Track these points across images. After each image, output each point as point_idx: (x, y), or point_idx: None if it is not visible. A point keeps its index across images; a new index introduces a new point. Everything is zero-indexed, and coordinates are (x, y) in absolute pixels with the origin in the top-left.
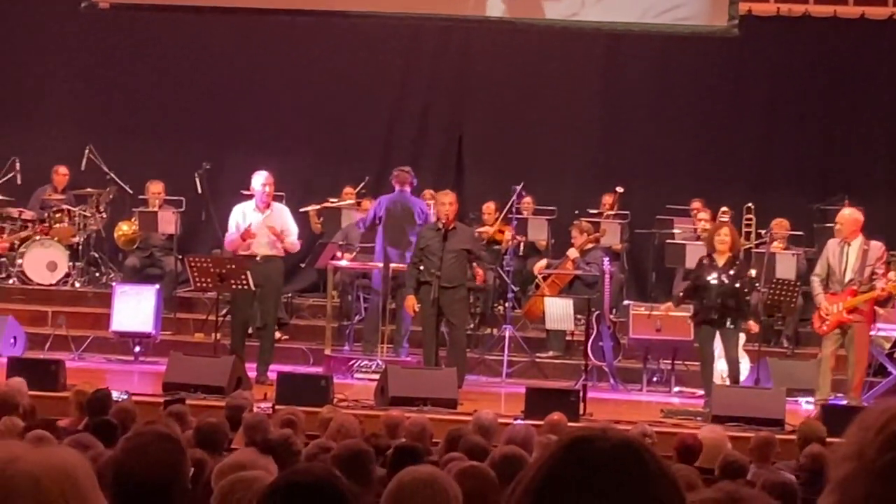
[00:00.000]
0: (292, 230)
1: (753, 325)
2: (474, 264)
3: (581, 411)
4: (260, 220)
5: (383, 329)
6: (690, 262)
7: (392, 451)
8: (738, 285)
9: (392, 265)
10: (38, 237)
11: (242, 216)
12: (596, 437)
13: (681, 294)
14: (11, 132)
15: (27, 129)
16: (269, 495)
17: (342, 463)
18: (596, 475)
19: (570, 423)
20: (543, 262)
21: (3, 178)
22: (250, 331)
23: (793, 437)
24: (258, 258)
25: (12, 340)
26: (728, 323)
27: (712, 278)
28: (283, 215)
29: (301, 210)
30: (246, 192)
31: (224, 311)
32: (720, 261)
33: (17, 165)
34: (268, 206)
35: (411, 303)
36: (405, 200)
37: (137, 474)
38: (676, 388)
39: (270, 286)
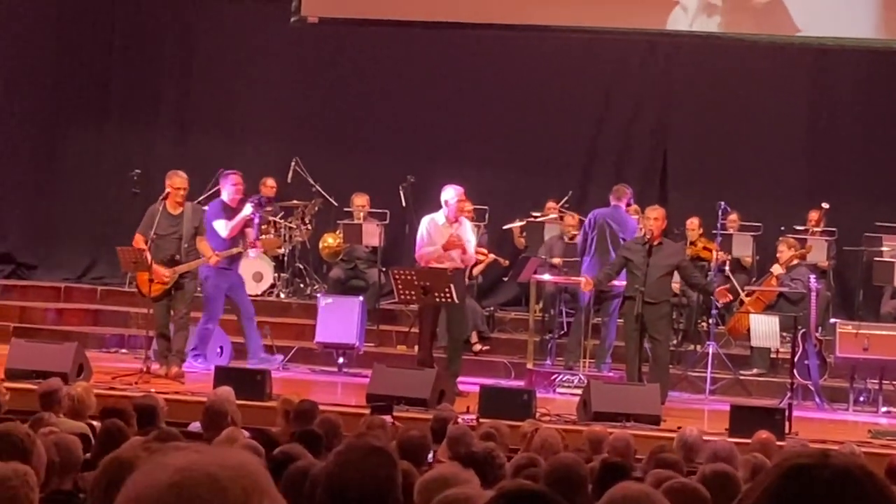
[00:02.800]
0: (473, 244)
1: None
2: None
3: (787, 430)
4: (450, 233)
5: (585, 343)
6: None
7: (599, 466)
8: None
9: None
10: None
11: (433, 229)
12: (816, 465)
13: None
14: (220, 144)
15: (235, 141)
16: None
17: (555, 478)
18: None
19: (777, 443)
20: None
21: (211, 190)
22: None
23: None
24: (449, 271)
25: (219, 350)
26: None
27: None
28: (467, 229)
29: (504, 227)
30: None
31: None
32: None
33: None
34: (457, 219)
35: (588, 282)
36: (619, 217)
37: (352, 487)
38: (884, 409)
39: (457, 298)
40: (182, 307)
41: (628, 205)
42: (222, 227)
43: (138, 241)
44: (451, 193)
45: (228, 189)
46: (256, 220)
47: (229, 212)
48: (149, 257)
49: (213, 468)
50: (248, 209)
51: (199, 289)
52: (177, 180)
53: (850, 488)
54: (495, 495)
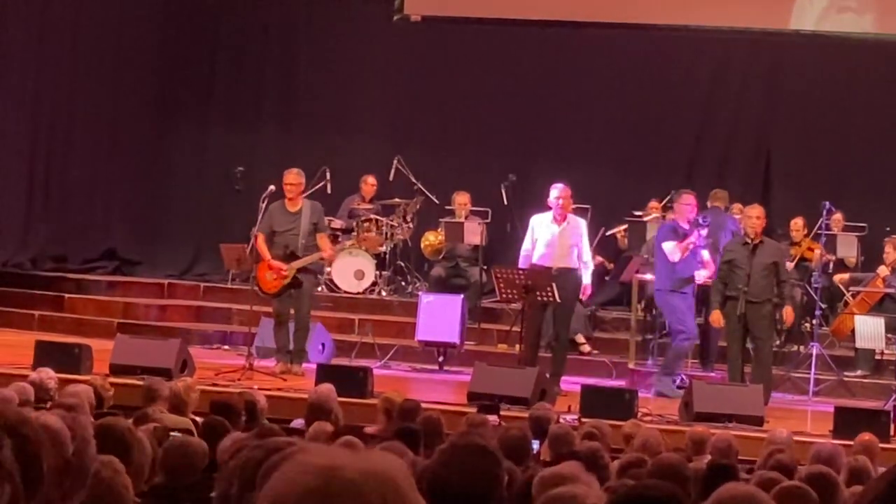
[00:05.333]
0: (584, 247)
1: None
2: (785, 307)
3: (892, 432)
4: (556, 232)
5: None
6: None
7: (706, 468)
8: None
9: (697, 280)
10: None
11: (540, 227)
12: None
13: None
14: (323, 141)
15: (338, 138)
16: None
17: (659, 478)
18: None
19: (881, 445)
20: (846, 275)
21: (314, 187)
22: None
23: None
24: (554, 270)
25: (321, 347)
26: None
27: None
28: (578, 229)
29: (607, 234)
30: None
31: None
32: None
33: (328, 175)
34: (564, 218)
35: (717, 317)
36: (719, 217)
37: (456, 485)
38: None
39: (564, 298)
40: (304, 307)
41: (726, 207)
42: (671, 248)
43: (259, 238)
44: (552, 192)
45: (682, 209)
46: (700, 244)
47: (680, 234)
48: (267, 254)
49: (356, 475)
50: (694, 236)
51: (320, 287)
52: (291, 177)
53: None
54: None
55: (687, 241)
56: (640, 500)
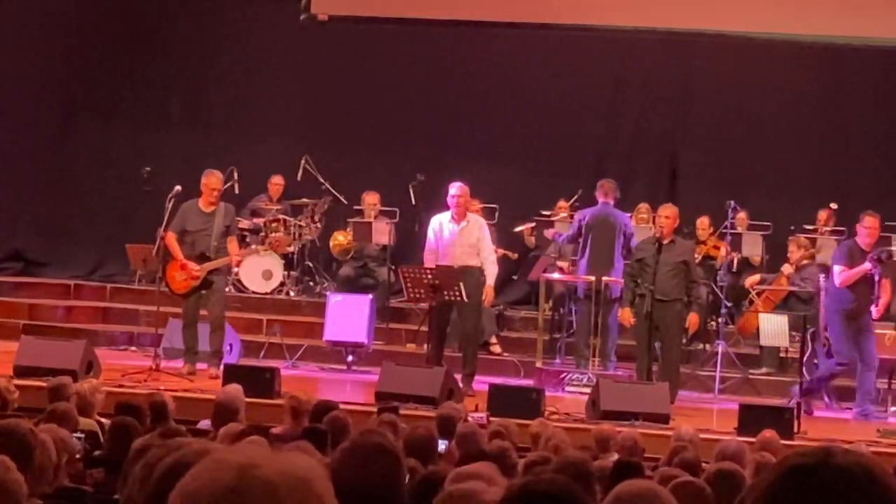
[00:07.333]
0: (485, 247)
1: None
2: (691, 313)
3: (795, 429)
4: (455, 231)
5: (594, 342)
6: None
7: (613, 465)
8: None
9: (603, 279)
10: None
11: (439, 227)
12: (818, 465)
13: None
14: (230, 141)
15: (246, 138)
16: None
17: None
18: None
19: (784, 442)
20: (757, 276)
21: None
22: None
23: None
24: (456, 268)
25: (228, 347)
26: None
27: None
28: (479, 229)
29: (515, 230)
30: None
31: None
32: None
33: (236, 175)
34: (463, 216)
35: (626, 315)
36: (609, 213)
37: (357, 484)
38: (893, 408)
39: (468, 297)
40: (217, 308)
41: (616, 199)
42: (837, 272)
43: (170, 237)
44: (450, 191)
45: (862, 231)
46: (876, 277)
47: (856, 257)
48: (179, 253)
49: (273, 474)
50: (867, 265)
51: (227, 288)
52: (212, 180)
53: (853, 488)
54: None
55: (857, 269)
56: (535, 494)
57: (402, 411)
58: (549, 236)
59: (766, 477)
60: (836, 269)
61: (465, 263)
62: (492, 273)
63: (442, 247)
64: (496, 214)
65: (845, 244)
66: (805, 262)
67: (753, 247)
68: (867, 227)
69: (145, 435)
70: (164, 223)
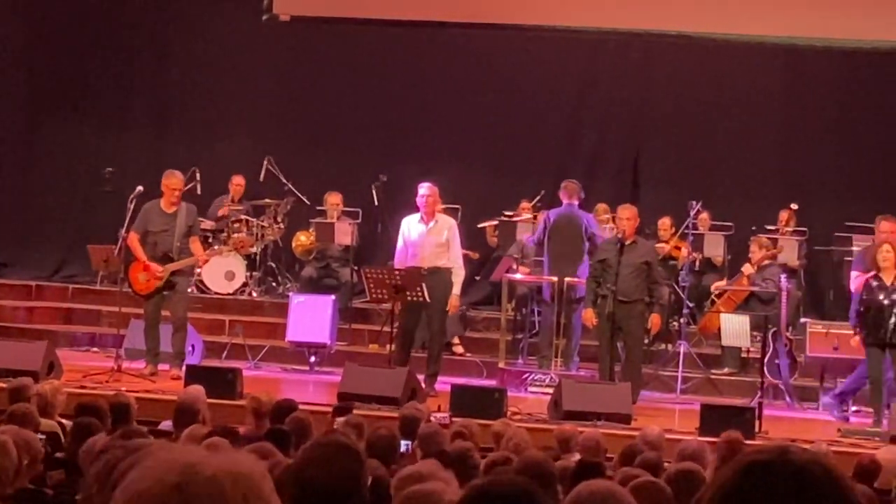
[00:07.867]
0: (453, 245)
1: None
2: (653, 314)
3: (757, 429)
4: (424, 231)
5: (557, 343)
6: None
7: (574, 466)
8: None
9: (567, 279)
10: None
11: (408, 229)
12: (774, 462)
13: (855, 325)
14: (193, 142)
15: (208, 139)
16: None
17: (523, 475)
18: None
19: (746, 441)
20: (723, 282)
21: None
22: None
23: None
24: (424, 270)
25: (190, 348)
26: None
27: (884, 298)
28: (448, 230)
29: (479, 226)
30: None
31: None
32: (888, 279)
33: (198, 175)
34: (432, 217)
35: (589, 315)
36: (573, 214)
37: (319, 484)
38: (854, 408)
39: (436, 298)
40: (180, 308)
41: (580, 199)
42: (853, 277)
43: (132, 238)
44: (419, 191)
45: (879, 238)
46: None
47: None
48: (142, 254)
49: (216, 472)
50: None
51: (190, 289)
52: (173, 181)
53: (809, 486)
54: (472, 492)
55: (868, 275)
56: (492, 494)
57: (364, 412)
58: (526, 242)
59: (723, 473)
60: (853, 274)
61: (434, 264)
62: (459, 280)
63: (411, 247)
64: (459, 215)
65: (864, 250)
66: (766, 262)
67: (715, 247)
68: (883, 233)
69: (107, 436)
70: (126, 224)
